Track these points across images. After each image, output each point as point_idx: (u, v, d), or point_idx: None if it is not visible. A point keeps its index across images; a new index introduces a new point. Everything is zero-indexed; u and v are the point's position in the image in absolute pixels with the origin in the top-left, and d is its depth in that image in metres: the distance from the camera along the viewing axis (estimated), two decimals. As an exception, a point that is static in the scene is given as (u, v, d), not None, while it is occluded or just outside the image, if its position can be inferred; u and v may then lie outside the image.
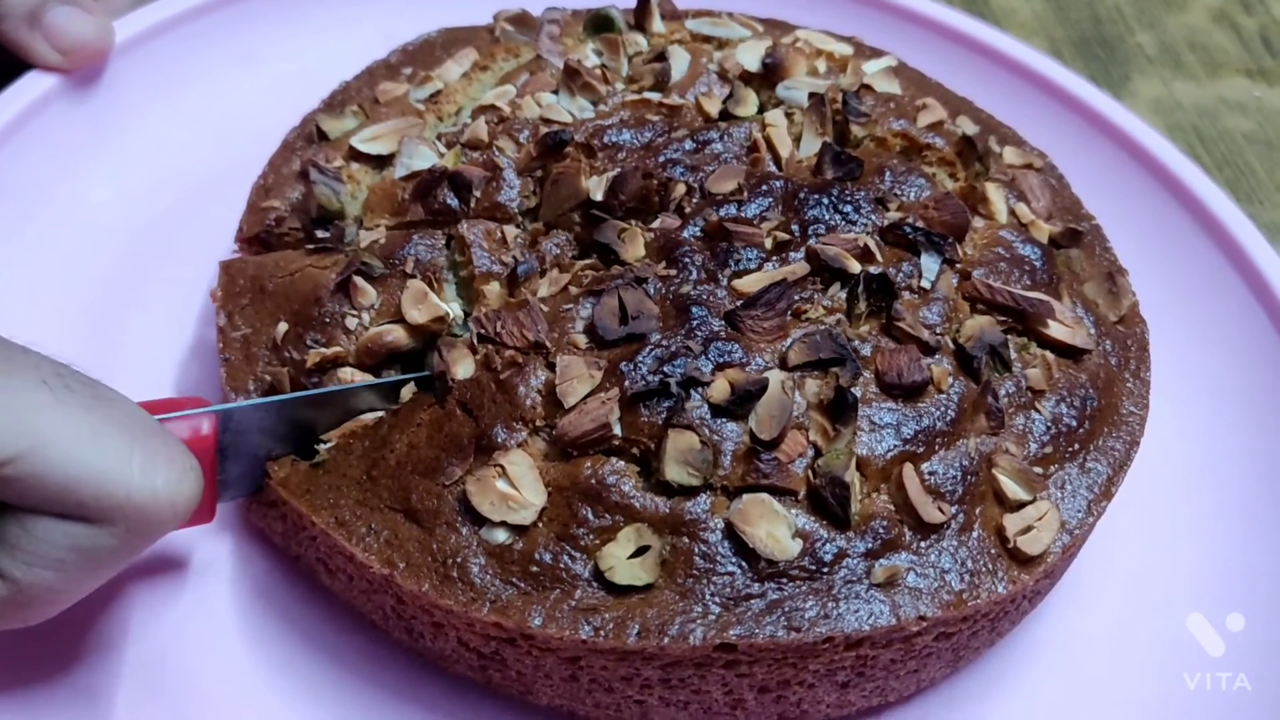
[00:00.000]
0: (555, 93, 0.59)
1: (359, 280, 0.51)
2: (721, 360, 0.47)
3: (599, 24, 0.64)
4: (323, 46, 0.70)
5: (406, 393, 0.49)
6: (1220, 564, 0.57)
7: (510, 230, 0.53)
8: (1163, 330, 0.59)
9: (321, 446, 0.49)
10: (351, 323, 0.51)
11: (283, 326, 0.51)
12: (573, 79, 0.59)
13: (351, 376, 0.50)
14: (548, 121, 0.57)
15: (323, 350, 0.50)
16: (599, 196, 0.54)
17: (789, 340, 0.48)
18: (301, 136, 0.60)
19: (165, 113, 0.67)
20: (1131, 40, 0.91)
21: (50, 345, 0.59)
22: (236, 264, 0.55)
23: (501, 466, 0.45)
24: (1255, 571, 0.56)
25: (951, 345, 0.50)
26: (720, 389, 0.46)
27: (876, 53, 0.67)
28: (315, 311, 0.51)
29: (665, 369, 0.47)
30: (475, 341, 0.49)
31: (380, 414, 0.49)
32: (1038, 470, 0.49)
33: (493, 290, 0.51)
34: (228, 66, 0.70)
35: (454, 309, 0.51)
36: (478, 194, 0.55)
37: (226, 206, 0.60)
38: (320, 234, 0.56)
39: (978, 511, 0.47)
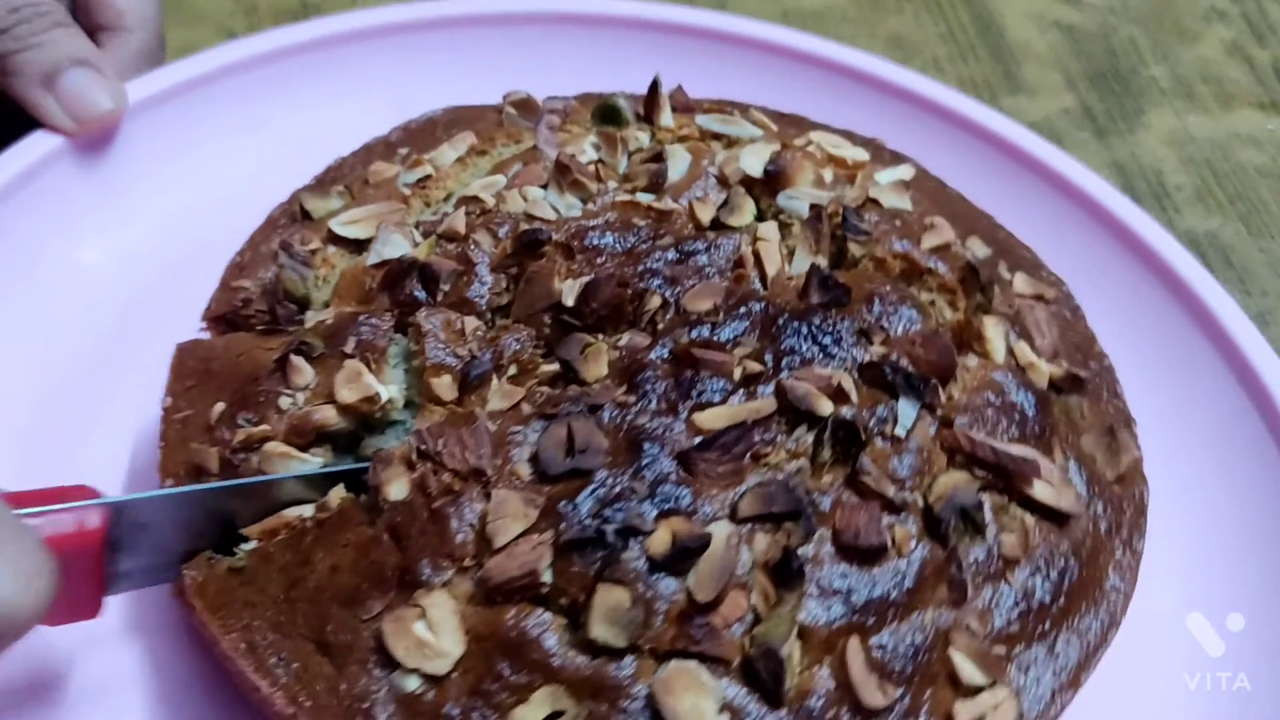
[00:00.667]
0: (544, 187, 0.57)
1: (296, 359, 0.50)
2: (667, 507, 0.45)
3: (605, 114, 0.62)
4: (334, 115, 0.69)
5: (334, 496, 0.48)
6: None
7: (471, 322, 0.51)
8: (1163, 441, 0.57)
9: (243, 546, 0.48)
10: (285, 402, 0.50)
11: (219, 407, 0.50)
12: (563, 175, 0.57)
13: (276, 451, 0.48)
14: (530, 218, 0.55)
15: (250, 429, 0.49)
16: (570, 302, 0.51)
17: (742, 488, 0.46)
18: (286, 214, 0.59)
19: (170, 177, 0.67)
20: (1145, 73, 0.91)
21: (24, 408, 0.59)
22: (189, 346, 0.54)
23: (422, 608, 0.43)
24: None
25: (920, 503, 0.47)
26: (660, 541, 0.43)
27: (897, 158, 0.64)
28: (251, 391, 0.50)
29: (606, 512, 0.44)
30: (414, 456, 0.47)
31: (308, 509, 0.48)
32: (999, 650, 0.46)
33: (443, 384, 0.49)
34: (237, 132, 0.69)
35: (391, 391, 0.50)
36: (446, 288, 0.53)
37: (216, 277, 0.59)
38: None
39: (926, 694, 0.44)
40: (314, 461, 0.48)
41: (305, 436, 0.49)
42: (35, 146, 0.63)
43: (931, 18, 0.93)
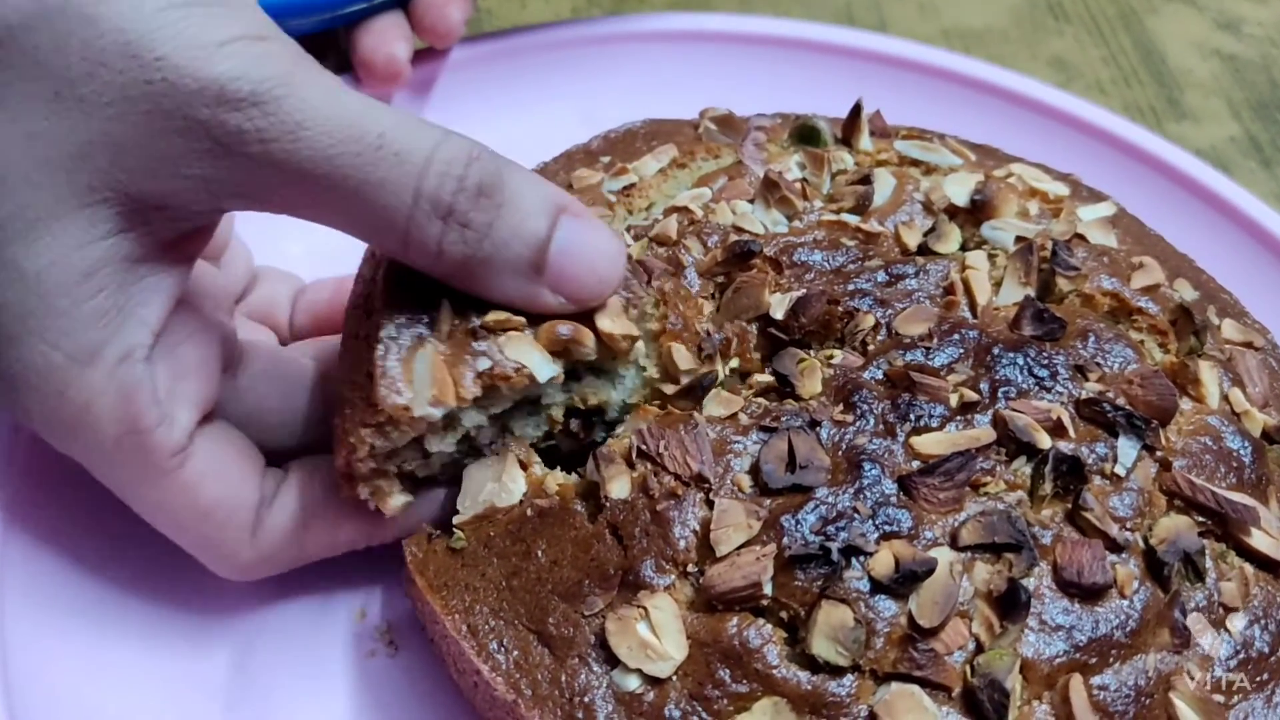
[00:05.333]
0: (751, 202, 0.58)
1: None
2: (889, 530, 0.44)
3: (804, 134, 0.63)
4: (521, 122, 0.71)
5: (552, 482, 0.48)
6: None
7: (708, 305, 0.52)
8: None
9: (458, 525, 0.48)
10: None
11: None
12: (771, 191, 0.57)
13: (524, 340, 0.46)
14: (739, 230, 0.56)
15: (508, 314, 0.47)
16: (779, 315, 0.52)
17: (963, 515, 0.45)
18: (494, 214, 0.60)
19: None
20: (1308, 105, 0.89)
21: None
22: None
23: (645, 609, 0.43)
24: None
25: (1141, 544, 0.46)
26: (884, 562, 0.43)
27: (1095, 195, 0.63)
28: None
29: (828, 530, 0.44)
30: (634, 456, 0.47)
31: (516, 492, 0.48)
32: (1218, 698, 0.45)
33: (680, 352, 0.49)
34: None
35: (641, 346, 0.49)
36: (659, 285, 0.53)
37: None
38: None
39: (1147, 739, 0.43)
40: (553, 367, 0.47)
41: (552, 345, 0.47)
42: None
43: (1093, 40, 0.94)
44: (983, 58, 0.82)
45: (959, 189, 0.58)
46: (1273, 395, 0.55)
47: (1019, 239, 0.56)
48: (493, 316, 0.46)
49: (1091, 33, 0.94)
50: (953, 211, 0.58)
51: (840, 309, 0.52)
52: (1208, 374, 0.52)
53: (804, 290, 0.53)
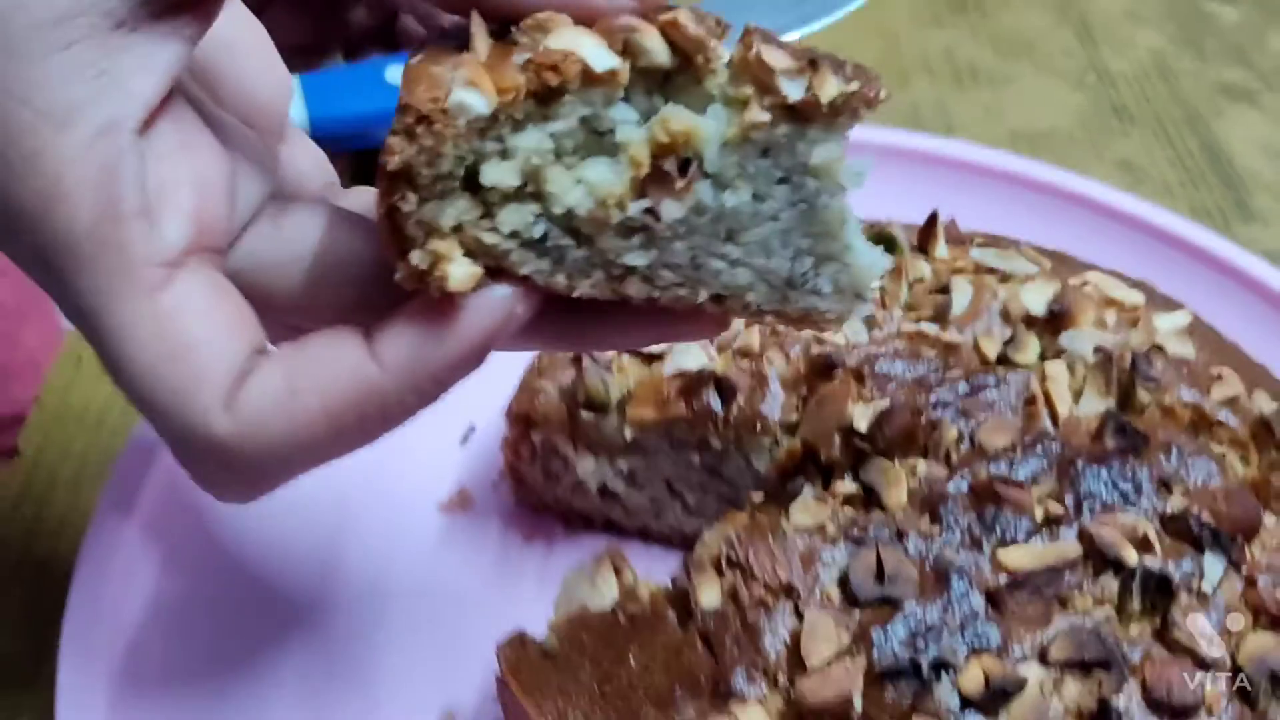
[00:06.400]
0: (832, 312, 0.59)
1: None
2: (978, 645, 0.45)
3: (880, 242, 0.64)
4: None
5: (644, 589, 0.49)
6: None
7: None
8: None
9: (551, 626, 0.49)
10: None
11: None
12: (851, 301, 0.59)
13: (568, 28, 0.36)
14: (820, 341, 0.58)
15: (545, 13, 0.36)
16: (862, 427, 0.53)
17: (1051, 631, 0.46)
18: (580, 319, 0.63)
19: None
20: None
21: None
22: None
23: (737, 719, 0.44)
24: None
25: (1229, 663, 0.46)
26: (974, 679, 0.44)
27: (1170, 304, 0.64)
28: None
29: (917, 643, 0.45)
30: (724, 564, 0.49)
31: (608, 594, 0.49)
32: (1311, 823, 0.44)
33: (772, 53, 0.36)
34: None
35: (723, 59, 0.36)
36: (741, 401, 0.55)
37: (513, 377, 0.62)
38: (585, 414, 0.58)
39: None
40: (612, 57, 0.36)
41: (611, 38, 0.36)
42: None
43: (1159, 143, 0.95)
44: (1049, 159, 0.84)
45: (1036, 298, 0.60)
46: (1355, 510, 0.55)
47: (1098, 349, 0.57)
48: (533, 19, 0.36)
49: (1158, 135, 0.95)
50: (1030, 321, 0.59)
51: (924, 420, 0.54)
52: (1291, 489, 0.53)
53: (886, 400, 0.54)
